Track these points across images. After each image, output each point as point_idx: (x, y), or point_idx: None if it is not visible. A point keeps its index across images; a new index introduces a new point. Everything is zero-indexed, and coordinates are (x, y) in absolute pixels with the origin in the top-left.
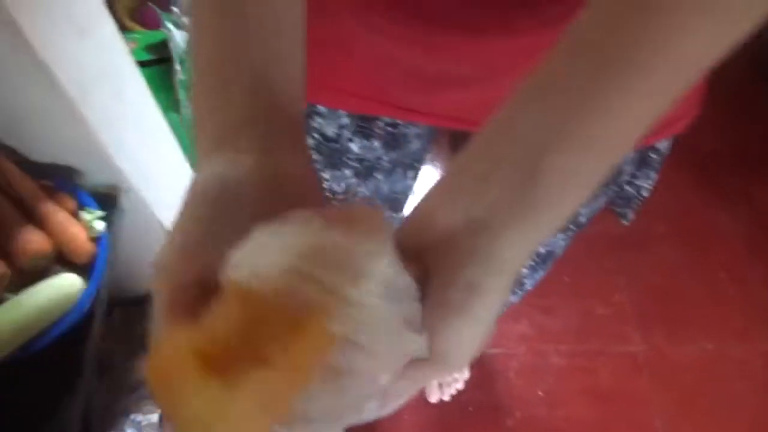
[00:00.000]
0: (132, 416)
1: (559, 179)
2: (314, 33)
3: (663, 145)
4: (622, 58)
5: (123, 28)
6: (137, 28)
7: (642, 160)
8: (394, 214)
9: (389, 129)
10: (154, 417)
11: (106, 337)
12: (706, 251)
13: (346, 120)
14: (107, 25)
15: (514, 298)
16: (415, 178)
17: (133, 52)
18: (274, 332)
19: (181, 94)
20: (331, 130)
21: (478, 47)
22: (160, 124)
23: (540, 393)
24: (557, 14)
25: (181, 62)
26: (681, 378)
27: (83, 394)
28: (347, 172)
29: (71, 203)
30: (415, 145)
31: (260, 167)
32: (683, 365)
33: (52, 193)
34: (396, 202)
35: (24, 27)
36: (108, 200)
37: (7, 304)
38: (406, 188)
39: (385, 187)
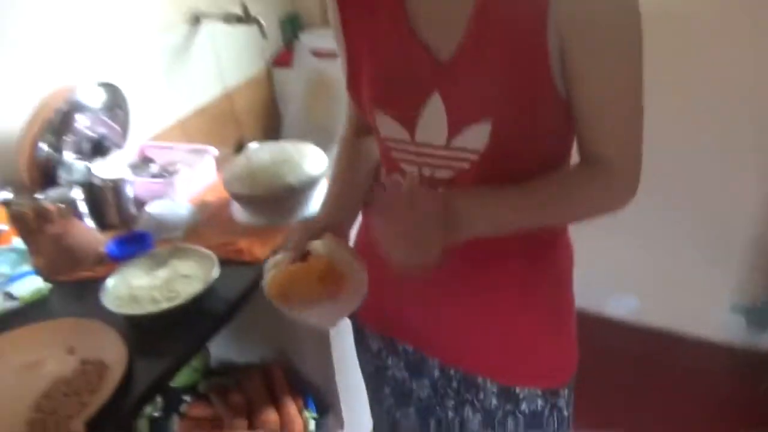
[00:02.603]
0: None
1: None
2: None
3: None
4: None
5: None
6: None
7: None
8: None
9: (410, 356)
10: None
11: None
12: None
13: (382, 341)
14: None
15: None
16: None
17: None
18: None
19: None
20: (375, 345)
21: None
22: None
23: None
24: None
25: None
26: None
27: None
28: (386, 390)
29: (300, 402)
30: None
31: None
32: None
33: (292, 393)
34: None
35: None
36: (325, 409)
37: None
38: None
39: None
